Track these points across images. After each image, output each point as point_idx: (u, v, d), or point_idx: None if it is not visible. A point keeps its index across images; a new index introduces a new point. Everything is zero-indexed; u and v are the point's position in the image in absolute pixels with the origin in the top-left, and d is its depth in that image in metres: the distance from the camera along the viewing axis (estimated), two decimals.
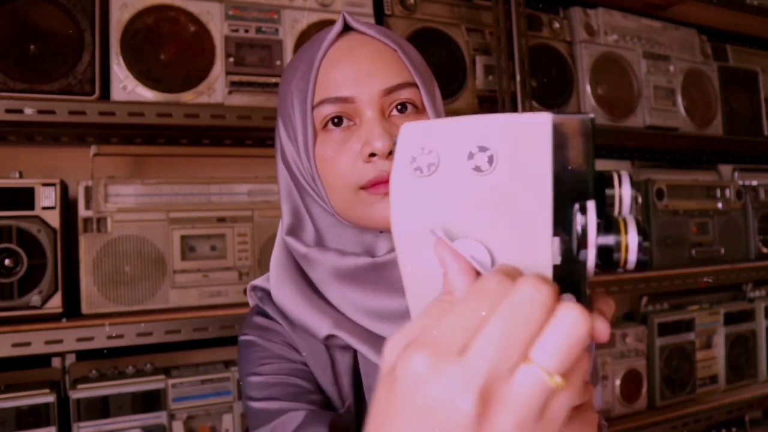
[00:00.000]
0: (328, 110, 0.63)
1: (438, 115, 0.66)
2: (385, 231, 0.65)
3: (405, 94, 0.64)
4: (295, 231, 0.69)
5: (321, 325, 0.64)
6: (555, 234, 0.34)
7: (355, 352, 0.66)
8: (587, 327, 0.30)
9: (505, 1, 1.56)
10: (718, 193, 1.94)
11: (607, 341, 0.35)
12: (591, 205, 0.34)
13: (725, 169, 2.23)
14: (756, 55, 2.13)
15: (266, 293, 0.72)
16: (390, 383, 0.31)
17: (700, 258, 1.86)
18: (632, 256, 0.34)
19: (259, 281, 0.74)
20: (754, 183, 2.02)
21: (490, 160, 0.35)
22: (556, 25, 1.70)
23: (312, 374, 0.67)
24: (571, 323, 0.30)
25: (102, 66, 1.18)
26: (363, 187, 0.62)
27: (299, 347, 0.68)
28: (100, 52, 1.18)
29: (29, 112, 1.10)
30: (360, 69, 0.63)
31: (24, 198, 1.14)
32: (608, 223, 0.34)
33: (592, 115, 0.34)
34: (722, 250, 1.91)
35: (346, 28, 0.67)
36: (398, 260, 0.38)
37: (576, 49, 1.71)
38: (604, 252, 0.34)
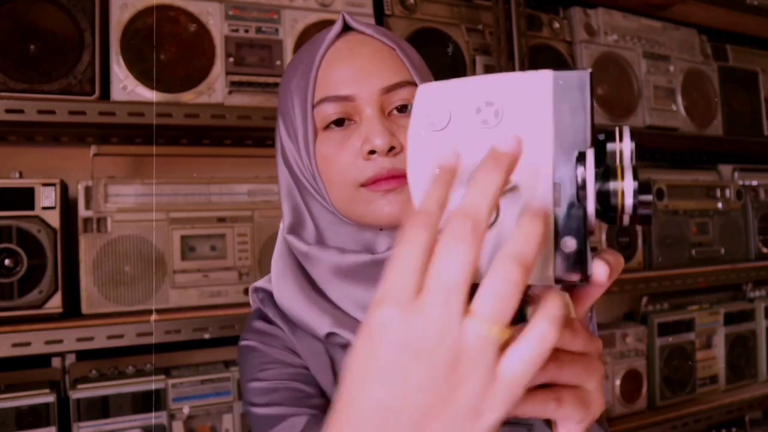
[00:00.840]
0: (329, 109, 0.64)
1: None
2: (384, 228, 0.66)
3: (404, 93, 0.64)
4: (295, 229, 0.70)
5: (322, 324, 0.65)
6: (556, 181, 0.36)
7: None
8: (518, 276, 0.31)
9: (505, 1, 1.56)
10: (718, 193, 1.94)
11: (606, 286, 0.37)
12: (590, 153, 0.36)
13: (725, 169, 2.23)
14: (756, 55, 2.13)
15: (268, 295, 0.72)
16: (366, 338, 0.33)
17: (700, 258, 1.86)
18: (628, 201, 0.35)
19: (260, 283, 0.75)
20: (754, 183, 2.02)
21: (496, 114, 0.37)
22: (556, 25, 1.70)
23: (313, 378, 0.67)
24: (503, 272, 0.31)
25: (102, 66, 1.18)
26: (363, 185, 0.63)
27: (299, 351, 0.68)
28: (100, 52, 1.18)
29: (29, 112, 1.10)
30: (360, 68, 0.64)
31: (24, 198, 1.14)
32: (606, 171, 0.36)
33: (589, 70, 0.37)
34: (722, 250, 1.91)
35: (346, 28, 0.68)
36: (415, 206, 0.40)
37: (576, 49, 1.71)
38: (602, 198, 0.36)
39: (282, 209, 0.72)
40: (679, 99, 1.86)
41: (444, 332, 0.31)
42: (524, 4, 1.58)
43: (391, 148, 0.62)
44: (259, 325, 0.71)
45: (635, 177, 0.36)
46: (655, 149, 1.93)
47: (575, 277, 0.36)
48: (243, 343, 0.71)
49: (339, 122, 0.64)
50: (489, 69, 1.56)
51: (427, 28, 1.50)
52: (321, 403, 0.65)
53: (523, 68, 1.55)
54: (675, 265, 1.81)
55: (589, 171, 0.36)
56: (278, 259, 0.71)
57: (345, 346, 0.66)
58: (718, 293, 2.11)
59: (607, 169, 0.37)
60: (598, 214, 0.36)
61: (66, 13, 1.16)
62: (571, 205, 0.36)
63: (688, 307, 1.88)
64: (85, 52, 1.17)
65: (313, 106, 0.65)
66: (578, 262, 0.36)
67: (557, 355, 0.37)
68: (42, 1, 1.14)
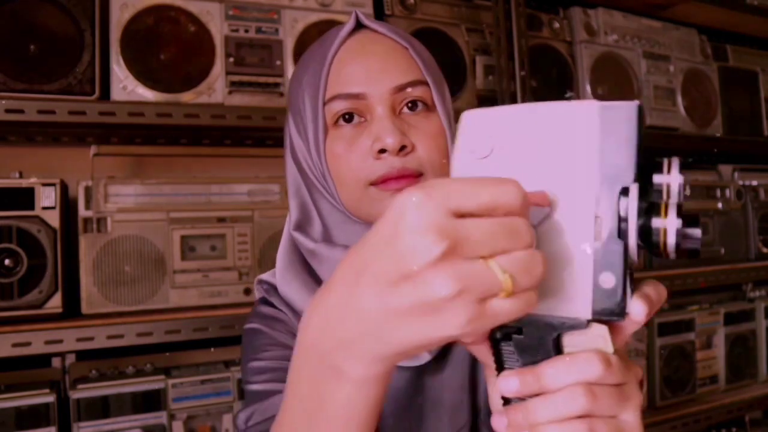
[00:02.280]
0: (340, 106, 0.64)
1: (447, 115, 0.67)
2: None
3: (416, 92, 0.64)
4: (302, 226, 0.70)
5: None
6: (597, 215, 0.36)
7: None
8: (542, 268, 0.33)
9: (505, 1, 1.56)
10: (718, 193, 1.94)
11: (643, 322, 0.37)
12: (633, 187, 0.35)
13: (725, 169, 2.23)
14: (756, 55, 2.13)
15: (272, 287, 0.72)
16: (387, 212, 0.34)
17: (700, 258, 1.86)
18: (671, 239, 0.35)
19: (265, 276, 0.75)
20: (754, 183, 2.02)
21: (541, 144, 0.38)
22: (556, 25, 1.70)
23: None
24: (532, 260, 0.33)
25: (102, 66, 1.18)
26: (373, 183, 0.63)
27: None
28: (100, 52, 1.18)
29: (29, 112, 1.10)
30: (371, 66, 0.64)
31: (24, 198, 1.14)
32: (650, 207, 0.36)
33: (638, 102, 0.36)
34: (722, 250, 1.91)
35: (359, 26, 0.68)
36: None
37: (576, 49, 1.71)
38: (644, 234, 0.36)
39: (289, 205, 0.72)
40: (679, 99, 1.86)
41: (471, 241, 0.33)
42: (524, 4, 1.58)
43: (402, 148, 0.61)
44: (265, 309, 0.72)
45: (680, 213, 0.35)
46: (655, 149, 1.93)
47: (612, 314, 0.36)
48: (248, 326, 0.71)
49: (350, 120, 0.64)
50: (489, 69, 1.56)
51: (427, 28, 1.50)
52: None
53: (522, 68, 1.55)
54: (675, 265, 1.81)
55: (631, 206, 0.35)
56: (283, 255, 0.71)
57: None
58: (718, 293, 2.11)
59: (651, 205, 0.36)
60: (640, 249, 0.36)
61: (66, 13, 1.16)
62: (611, 241, 0.36)
63: (688, 307, 1.88)
64: (85, 52, 1.17)
65: (324, 104, 0.64)
66: (615, 298, 0.36)
67: (592, 387, 0.37)
68: (42, 1, 1.14)
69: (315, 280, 0.68)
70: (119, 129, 1.27)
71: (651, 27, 1.85)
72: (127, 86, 1.19)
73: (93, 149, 1.27)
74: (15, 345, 1.08)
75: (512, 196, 0.33)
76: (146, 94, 1.20)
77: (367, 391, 0.38)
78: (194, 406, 1.24)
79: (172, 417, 1.22)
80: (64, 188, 1.21)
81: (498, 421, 0.40)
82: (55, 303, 1.14)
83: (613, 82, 1.74)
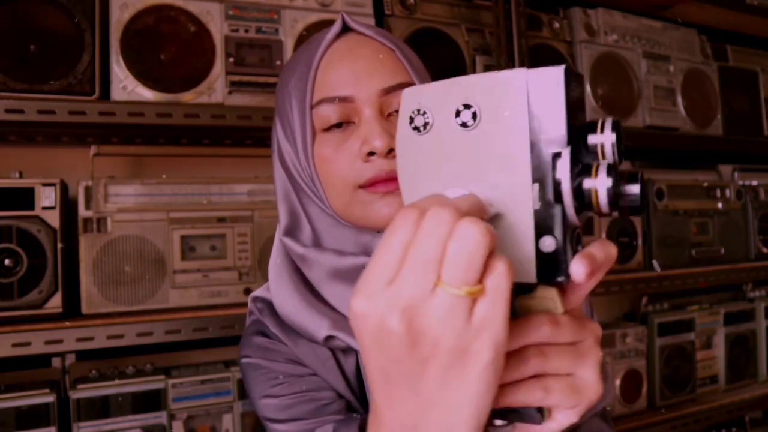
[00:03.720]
0: (328, 111, 0.63)
1: None
2: (382, 230, 0.65)
3: None
4: (292, 232, 0.69)
5: (320, 327, 0.64)
6: (534, 181, 0.37)
7: (357, 353, 0.66)
8: (480, 236, 0.33)
9: (505, 1, 1.56)
10: (718, 193, 1.94)
11: (585, 282, 0.38)
12: (566, 151, 0.36)
13: (725, 169, 2.23)
14: (756, 55, 2.13)
15: (267, 304, 0.72)
16: (356, 332, 0.36)
17: (700, 258, 1.86)
18: (602, 198, 0.36)
19: (259, 292, 0.74)
20: (754, 183, 2.02)
21: (474, 115, 0.38)
22: (556, 25, 1.70)
23: (324, 382, 0.66)
24: (464, 237, 0.33)
25: (102, 66, 1.18)
26: (361, 186, 0.62)
27: (305, 360, 0.67)
28: (100, 52, 1.18)
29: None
30: (359, 69, 0.63)
31: (24, 198, 1.14)
32: (583, 168, 0.37)
33: (563, 66, 0.37)
34: (722, 250, 1.91)
35: (345, 29, 0.67)
36: (404, 204, 0.41)
37: (576, 49, 1.71)
38: (578, 196, 0.36)
39: (278, 211, 0.71)
40: (679, 99, 1.86)
41: (419, 301, 0.34)
42: (524, 4, 1.58)
43: (390, 150, 0.61)
44: (259, 340, 0.70)
45: (611, 172, 0.36)
46: (655, 149, 1.93)
47: (555, 276, 0.37)
48: (245, 360, 0.70)
49: (337, 124, 0.64)
50: (489, 69, 1.56)
51: (427, 28, 1.50)
52: (340, 406, 0.65)
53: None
54: (675, 265, 1.81)
55: (563, 169, 0.36)
56: (275, 263, 0.71)
57: (345, 349, 0.66)
58: (718, 293, 2.11)
59: (584, 166, 0.37)
60: (580, 211, 0.37)
61: (66, 13, 1.16)
62: (548, 205, 0.36)
63: (688, 307, 1.88)
64: (85, 52, 1.17)
65: (312, 107, 0.64)
66: (557, 261, 0.37)
67: (542, 348, 0.39)
68: (42, 1, 1.14)
69: (307, 286, 0.68)
70: (119, 129, 1.27)
71: (651, 27, 1.85)
72: (127, 86, 1.19)
73: (93, 149, 1.27)
74: (15, 345, 1.08)
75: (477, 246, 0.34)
76: (146, 94, 1.20)
77: None
78: (194, 406, 1.24)
79: (172, 417, 1.22)
80: (64, 188, 1.21)
81: None
82: (55, 303, 1.14)
83: (613, 82, 1.74)
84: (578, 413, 0.41)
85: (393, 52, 0.65)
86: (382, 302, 0.34)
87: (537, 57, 1.62)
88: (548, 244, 0.37)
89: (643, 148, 1.93)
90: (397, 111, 0.64)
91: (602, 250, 0.38)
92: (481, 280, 0.34)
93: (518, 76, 0.37)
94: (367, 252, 0.66)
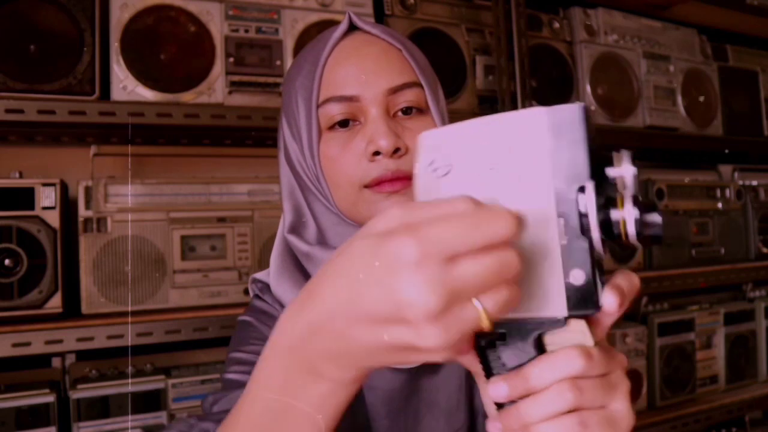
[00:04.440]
0: (334, 110, 0.63)
1: (441, 116, 0.67)
2: None
3: (409, 94, 0.64)
4: (296, 229, 0.69)
5: None
6: (559, 215, 0.37)
7: None
8: (513, 295, 0.34)
9: (505, 1, 1.56)
10: (718, 193, 1.94)
11: (616, 312, 0.38)
12: (589, 185, 0.37)
13: (725, 169, 2.23)
14: (756, 55, 2.13)
15: (266, 286, 0.72)
16: (373, 245, 0.34)
17: (700, 258, 1.86)
18: (630, 228, 0.37)
19: (259, 275, 0.74)
20: (754, 183, 2.02)
21: (496, 157, 0.39)
22: (556, 25, 1.70)
23: None
24: (507, 293, 0.34)
25: (102, 66, 1.18)
26: (367, 186, 0.62)
27: None
28: (100, 52, 1.18)
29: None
30: (365, 68, 0.63)
31: (24, 198, 1.14)
32: (608, 201, 0.37)
33: (582, 104, 0.37)
34: (722, 250, 1.91)
35: (352, 28, 0.67)
36: None
37: (576, 49, 1.71)
38: (606, 228, 0.37)
39: (283, 208, 0.71)
40: (679, 99, 1.86)
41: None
42: (524, 4, 1.58)
43: (396, 150, 0.61)
44: (259, 304, 0.71)
45: (636, 203, 0.37)
46: (655, 149, 1.93)
47: (586, 309, 0.38)
48: (240, 317, 0.71)
49: (343, 123, 0.64)
50: (489, 69, 1.56)
51: (427, 28, 1.50)
52: None
53: (522, 68, 1.55)
54: (675, 265, 1.81)
55: (590, 203, 0.37)
56: (277, 257, 0.71)
57: None
58: (718, 293, 2.11)
59: (608, 199, 0.37)
60: (605, 242, 0.37)
61: (66, 13, 1.16)
62: (575, 238, 0.37)
63: (688, 307, 1.88)
64: (85, 52, 1.17)
65: (318, 106, 0.64)
66: (587, 293, 0.37)
67: (576, 381, 0.38)
68: (42, 1, 1.14)
69: (308, 280, 0.67)
70: (119, 129, 1.27)
71: (651, 27, 1.85)
72: (127, 86, 1.19)
73: (93, 149, 1.27)
74: (15, 345, 1.08)
75: (505, 229, 0.33)
76: (146, 94, 1.20)
77: (342, 391, 0.40)
78: (194, 406, 1.24)
79: (172, 417, 1.22)
80: (64, 188, 1.21)
81: (493, 426, 0.41)
82: (55, 303, 1.14)
83: (613, 82, 1.74)
84: None
85: (399, 51, 0.65)
86: (435, 279, 0.33)
87: (537, 57, 1.62)
88: (578, 276, 0.37)
89: (643, 148, 1.93)
90: (402, 110, 0.64)
91: (628, 281, 0.39)
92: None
93: (538, 114, 0.38)
94: None
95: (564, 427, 0.38)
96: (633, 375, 1.71)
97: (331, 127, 0.64)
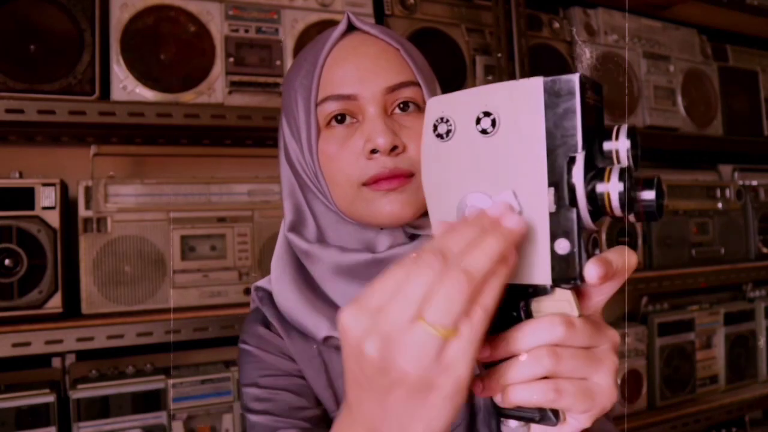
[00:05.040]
0: (332, 107, 0.64)
1: None
2: (385, 228, 0.65)
3: (407, 93, 0.64)
4: (297, 228, 0.70)
5: (319, 327, 0.65)
6: (550, 184, 0.38)
7: None
8: (463, 286, 0.36)
9: (505, 1, 1.56)
10: (718, 193, 1.94)
11: (598, 284, 0.38)
12: (579, 157, 0.37)
13: (725, 169, 2.23)
14: (756, 55, 2.13)
15: (267, 294, 0.73)
16: (341, 338, 0.39)
17: (700, 258, 1.86)
18: (614, 202, 0.37)
19: (262, 282, 0.75)
20: (754, 183, 2.02)
21: (494, 122, 0.40)
22: (556, 25, 1.70)
23: (307, 387, 0.68)
24: (449, 284, 0.36)
25: (102, 66, 1.18)
26: (365, 184, 0.63)
27: (293, 354, 0.69)
28: (100, 52, 1.18)
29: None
30: (363, 67, 0.64)
31: (24, 198, 1.14)
32: (598, 172, 0.38)
33: (578, 74, 0.38)
34: (722, 250, 1.91)
35: (351, 29, 0.68)
36: (428, 211, 0.46)
37: (576, 49, 1.71)
38: (592, 200, 0.38)
39: (284, 207, 0.71)
40: (679, 99, 1.86)
41: (397, 332, 0.36)
42: (524, 4, 1.58)
43: (394, 148, 0.61)
44: (259, 330, 0.72)
45: (622, 176, 0.37)
46: (655, 149, 1.93)
47: (569, 279, 0.38)
48: (242, 346, 0.72)
49: (342, 120, 0.64)
50: (489, 69, 1.56)
51: (427, 28, 1.50)
52: (313, 414, 0.66)
53: (523, 68, 1.55)
54: (675, 265, 1.81)
55: (577, 175, 0.37)
56: (278, 259, 0.71)
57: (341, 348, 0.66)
58: (718, 293, 2.11)
59: (598, 171, 0.38)
60: (595, 215, 0.38)
61: (66, 13, 1.16)
62: (564, 209, 0.38)
63: (688, 307, 1.88)
64: (85, 52, 1.17)
65: (317, 105, 0.65)
66: (571, 263, 0.38)
67: (555, 349, 0.39)
68: (42, 1, 1.14)
69: (309, 283, 0.68)
70: (119, 129, 1.27)
71: (651, 27, 1.85)
72: (127, 86, 1.19)
73: (93, 149, 1.27)
74: (15, 345, 1.08)
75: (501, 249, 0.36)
76: (146, 94, 1.20)
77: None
78: (194, 406, 1.24)
79: (172, 417, 1.22)
80: (64, 188, 1.20)
81: (476, 385, 0.43)
82: (55, 303, 1.14)
83: (613, 82, 1.74)
84: (591, 418, 0.41)
85: (398, 51, 0.66)
86: (365, 325, 0.37)
87: (537, 57, 1.62)
88: (563, 246, 0.38)
89: (643, 148, 1.91)
90: (400, 108, 0.65)
91: (620, 256, 0.39)
92: (459, 322, 0.36)
93: (536, 83, 0.39)
94: (370, 248, 0.66)
95: (538, 391, 0.40)
96: (633, 375, 1.71)
97: (330, 126, 0.65)
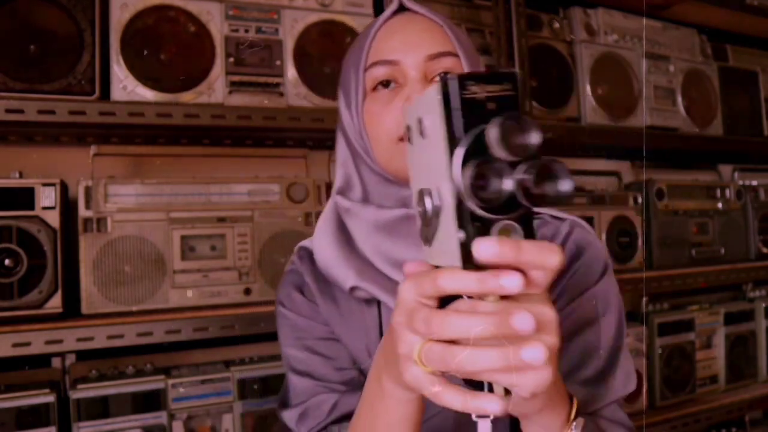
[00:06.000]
0: (378, 72, 0.71)
1: None
2: None
3: (447, 62, 0.71)
4: (344, 191, 0.76)
5: (347, 276, 0.71)
6: (451, 180, 0.41)
7: (378, 304, 0.73)
8: (442, 358, 0.42)
9: (505, 1, 1.56)
10: (718, 193, 1.94)
11: (485, 260, 0.39)
12: (458, 151, 0.40)
13: (725, 169, 2.23)
14: (756, 55, 2.13)
15: (308, 252, 0.79)
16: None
17: (700, 258, 1.86)
18: (480, 193, 0.40)
19: (305, 242, 0.81)
20: (754, 183, 2.02)
21: (424, 128, 0.44)
22: (556, 25, 1.70)
23: (341, 348, 0.75)
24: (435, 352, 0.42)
25: (102, 66, 1.18)
26: (401, 139, 0.69)
27: (329, 317, 0.75)
28: (100, 52, 1.18)
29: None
30: (408, 38, 0.72)
31: (24, 198, 1.14)
32: (479, 164, 0.40)
33: (451, 76, 0.41)
34: (722, 250, 1.91)
35: (401, 9, 0.76)
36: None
37: (576, 49, 1.71)
38: (476, 190, 0.40)
39: (335, 175, 0.78)
40: (679, 99, 1.86)
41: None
42: (524, 4, 1.58)
43: None
44: (293, 294, 0.78)
45: (479, 167, 0.39)
46: (655, 149, 1.93)
47: (466, 262, 0.41)
48: (279, 308, 0.79)
49: (387, 85, 0.71)
50: (489, 69, 1.56)
51: None
52: (350, 377, 0.73)
53: (522, 68, 1.55)
54: (675, 265, 1.81)
55: (455, 169, 0.40)
56: (323, 219, 0.78)
57: (368, 300, 0.72)
58: (718, 293, 2.11)
59: (482, 162, 0.40)
60: (490, 204, 0.40)
61: (66, 13, 1.16)
62: (459, 202, 0.41)
63: (688, 307, 1.88)
64: (85, 52, 1.17)
65: (365, 70, 0.72)
66: (468, 249, 0.40)
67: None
68: (42, 1, 1.14)
69: (347, 239, 0.74)
70: (119, 129, 1.27)
71: (651, 27, 1.85)
72: (127, 86, 1.19)
73: (93, 149, 1.27)
74: (15, 345, 1.08)
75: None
76: (146, 94, 1.20)
77: (401, 408, 0.53)
78: (194, 406, 1.24)
79: (172, 417, 1.22)
80: (64, 188, 1.20)
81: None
82: (55, 303, 1.14)
83: (613, 82, 1.74)
84: (523, 392, 0.42)
85: (441, 28, 0.73)
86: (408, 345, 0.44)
87: (537, 57, 1.62)
88: (461, 236, 0.41)
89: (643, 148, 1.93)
90: (440, 75, 0.70)
91: (513, 246, 0.39)
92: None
93: (434, 87, 0.42)
94: (406, 205, 0.72)
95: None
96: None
97: (375, 90, 0.72)
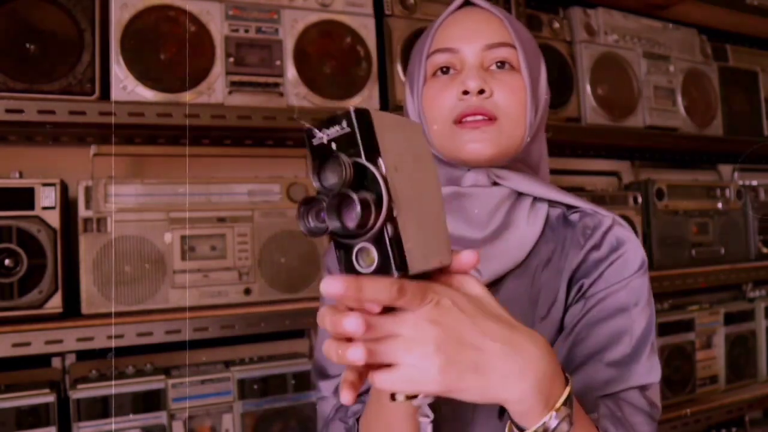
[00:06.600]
0: (439, 59, 0.77)
1: (532, 78, 0.77)
2: (472, 167, 0.76)
3: (503, 53, 0.76)
4: None
5: None
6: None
7: None
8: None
9: (505, 1, 1.56)
10: (718, 193, 1.94)
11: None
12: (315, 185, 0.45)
13: (725, 169, 2.23)
14: (756, 55, 2.13)
15: None
16: None
17: (700, 258, 1.86)
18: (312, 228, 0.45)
19: None
20: (754, 183, 2.02)
21: None
22: (556, 25, 1.70)
23: None
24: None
25: (102, 66, 1.18)
26: (455, 121, 0.74)
27: None
28: (100, 52, 1.18)
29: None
30: (468, 29, 0.77)
31: (24, 198, 1.14)
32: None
33: (304, 124, 0.46)
34: (722, 250, 1.91)
35: (466, 4, 0.81)
36: None
37: (576, 49, 1.71)
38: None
39: None
40: (679, 99, 1.86)
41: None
42: (524, 4, 1.58)
43: (482, 91, 0.73)
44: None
45: (306, 204, 0.45)
46: (655, 149, 1.93)
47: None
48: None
49: (446, 72, 0.77)
50: None
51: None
52: None
53: None
54: (675, 265, 1.81)
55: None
56: None
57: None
58: (718, 293, 2.11)
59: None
60: (345, 233, 0.44)
61: (66, 13, 1.16)
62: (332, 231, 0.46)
63: (688, 307, 1.88)
64: (85, 52, 1.17)
65: (428, 57, 0.78)
66: (344, 267, 0.46)
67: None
68: (42, 1, 1.14)
69: None
70: (119, 129, 1.27)
71: (651, 27, 1.85)
72: (127, 86, 1.19)
73: (93, 149, 1.27)
74: (15, 345, 1.08)
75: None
76: (146, 94, 1.20)
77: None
78: (194, 406, 1.24)
79: (172, 417, 1.22)
80: (64, 188, 1.20)
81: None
82: (55, 303, 1.14)
83: (613, 82, 1.74)
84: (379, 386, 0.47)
85: (501, 21, 0.78)
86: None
87: None
88: (337, 256, 0.47)
89: (643, 148, 1.93)
90: (497, 65, 0.76)
91: (355, 285, 0.43)
92: None
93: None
94: (455, 183, 0.77)
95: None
96: None
97: (435, 75, 0.78)
